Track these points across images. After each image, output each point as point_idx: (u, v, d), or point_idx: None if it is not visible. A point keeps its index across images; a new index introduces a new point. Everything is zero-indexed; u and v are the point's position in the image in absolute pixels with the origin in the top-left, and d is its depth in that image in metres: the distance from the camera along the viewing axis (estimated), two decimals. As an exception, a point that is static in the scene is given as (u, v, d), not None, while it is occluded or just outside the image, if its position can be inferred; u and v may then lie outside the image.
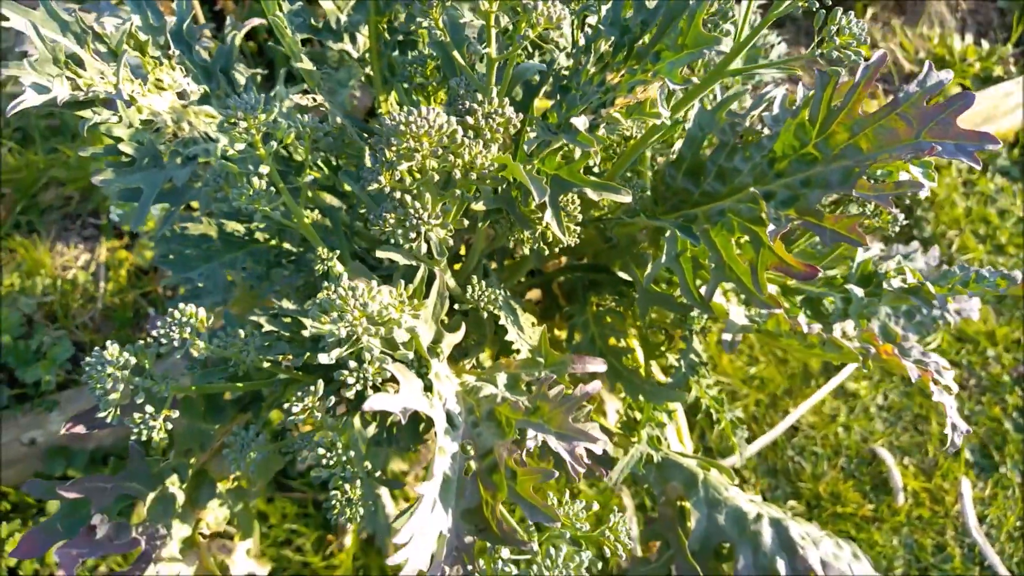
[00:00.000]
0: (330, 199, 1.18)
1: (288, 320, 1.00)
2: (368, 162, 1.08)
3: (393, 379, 0.74)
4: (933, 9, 2.77)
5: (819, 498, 2.20)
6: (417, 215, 0.72)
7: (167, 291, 2.04)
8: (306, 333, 0.99)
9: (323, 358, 0.69)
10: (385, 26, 1.11)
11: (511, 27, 0.82)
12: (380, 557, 1.96)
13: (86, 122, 0.87)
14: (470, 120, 0.75)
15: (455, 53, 0.80)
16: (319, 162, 1.14)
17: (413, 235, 0.73)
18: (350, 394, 0.71)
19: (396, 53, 1.12)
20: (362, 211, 1.16)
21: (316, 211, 1.09)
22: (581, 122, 0.82)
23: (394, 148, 0.71)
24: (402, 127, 0.70)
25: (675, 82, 0.80)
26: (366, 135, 1.14)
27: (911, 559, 2.14)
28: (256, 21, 1.23)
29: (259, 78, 1.21)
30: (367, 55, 1.12)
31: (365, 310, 0.66)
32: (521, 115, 0.78)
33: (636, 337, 1.24)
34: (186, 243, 1.06)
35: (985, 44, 2.77)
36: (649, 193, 1.12)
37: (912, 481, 2.21)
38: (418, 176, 0.73)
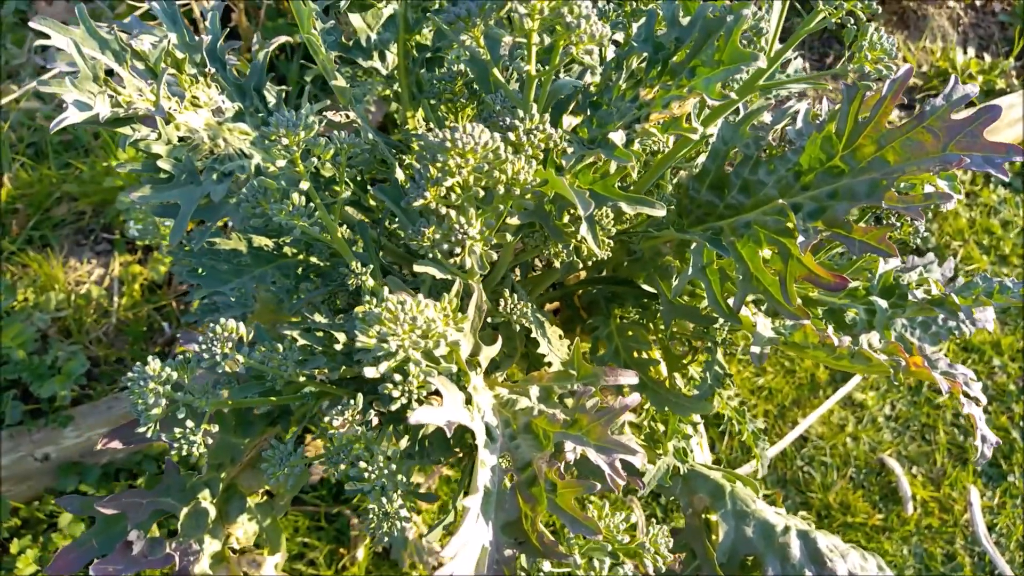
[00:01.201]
0: (357, 214, 1.19)
1: (321, 334, 1.00)
2: (399, 176, 1.10)
3: (436, 392, 0.74)
4: (936, 23, 2.80)
5: (829, 508, 2.21)
6: (462, 230, 0.73)
7: (180, 305, 2.04)
8: (338, 346, 1.00)
9: (369, 372, 0.70)
10: (413, 44, 1.12)
11: (548, 45, 0.83)
12: (394, 570, 1.96)
13: (126, 138, 0.88)
14: (512, 136, 0.77)
15: (495, 70, 0.82)
16: (346, 178, 1.15)
17: (458, 250, 0.74)
18: (394, 407, 0.72)
19: (423, 70, 1.14)
20: (391, 226, 1.17)
21: (344, 226, 1.10)
22: (619, 137, 0.83)
23: (439, 164, 0.72)
24: (448, 143, 0.71)
25: (713, 97, 0.82)
26: (394, 150, 1.15)
27: (921, 568, 2.15)
28: (283, 39, 1.24)
29: (284, 95, 1.23)
30: (395, 72, 1.13)
31: (414, 324, 0.67)
32: (560, 131, 0.80)
33: (658, 349, 1.25)
34: (217, 258, 1.06)
35: (987, 57, 2.80)
36: (673, 207, 1.13)
37: (921, 490, 2.22)
38: (460, 192, 0.74)
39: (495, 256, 0.76)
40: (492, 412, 0.83)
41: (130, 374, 0.80)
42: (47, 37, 0.91)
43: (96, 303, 1.98)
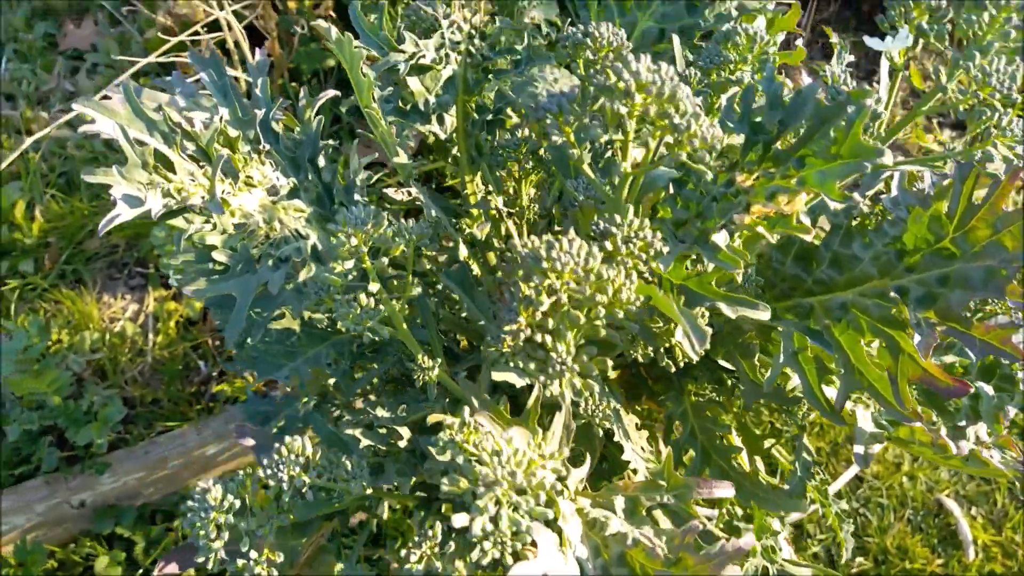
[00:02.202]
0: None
1: (383, 430, 0.93)
2: (463, 253, 1.02)
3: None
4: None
5: (886, 553, 2.12)
6: (561, 360, 0.65)
7: (216, 342, 1.98)
8: (402, 443, 0.92)
9: (459, 520, 0.62)
10: (473, 105, 1.04)
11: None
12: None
13: (181, 234, 0.81)
14: (608, 245, 0.69)
15: (585, 166, 0.73)
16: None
17: (556, 382, 0.66)
18: (486, 561, 0.65)
19: (484, 133, 1.06)
20: (449, 297, 1.09)
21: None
22: (722, 238, 0.75)
23: (533, 285, 0.64)
24: (544, 263, 0.63)
25: (834, 198, 0.73)
26: (453, 218, 1.07)
27: (984, 617, 2.06)
28: (331, 93, 1.16)
29: (329, 150, 1.15)
30: (454, 136, 1.06)
31: (513, 480, 0.59)
32: (659, 235, 0.71)
33: (733, 424, 1.17)
34: (269, 339, 0.99)
35: None
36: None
37: (981, 534, 2.13)
38: (554, 316, 0.66)
39: (596, 387, 0.68)
40: (581, 541, 0.76)
41: (189, 503, 0.73)
42: (92, 120, 0.83)
43: (131, 341, 1.93)
